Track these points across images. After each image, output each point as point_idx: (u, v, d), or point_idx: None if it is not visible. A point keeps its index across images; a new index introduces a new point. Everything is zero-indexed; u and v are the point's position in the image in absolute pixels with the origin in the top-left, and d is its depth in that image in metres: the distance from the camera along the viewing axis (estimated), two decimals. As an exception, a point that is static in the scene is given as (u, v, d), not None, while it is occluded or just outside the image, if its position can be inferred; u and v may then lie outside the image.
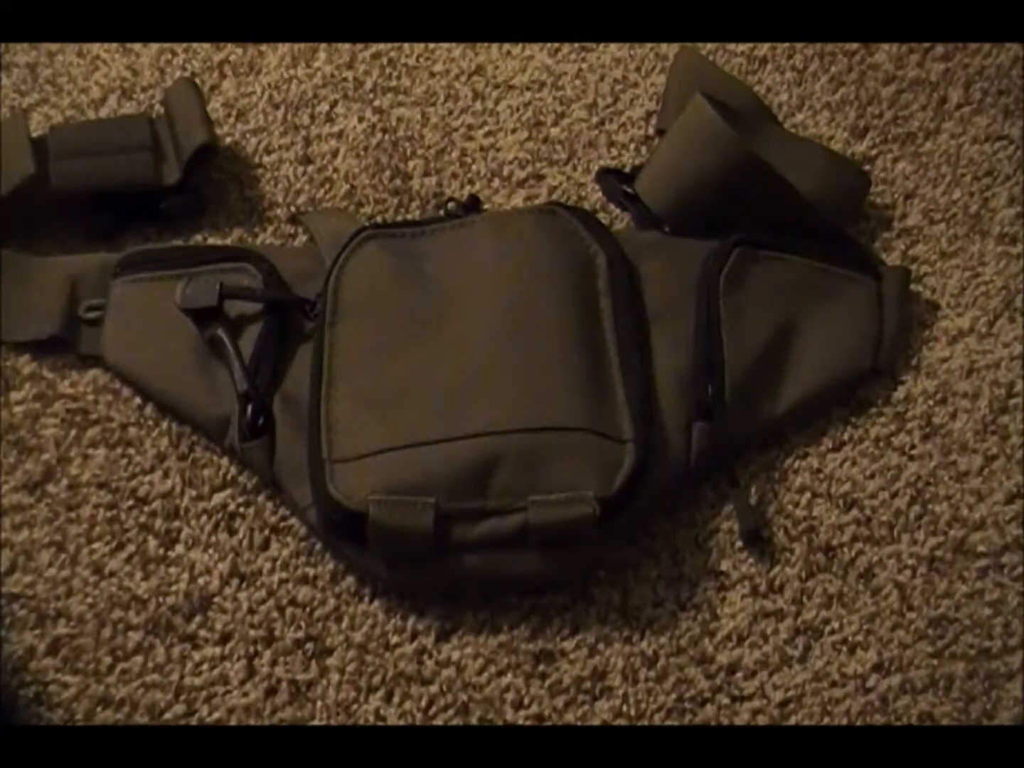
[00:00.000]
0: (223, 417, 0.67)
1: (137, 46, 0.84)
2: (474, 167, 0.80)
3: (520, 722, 0.62)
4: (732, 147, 0.72)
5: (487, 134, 0.81)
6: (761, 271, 0.71)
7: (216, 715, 0.61)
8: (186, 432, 0.69)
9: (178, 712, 0.61)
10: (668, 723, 0.62)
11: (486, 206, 0.77)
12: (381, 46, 0.85)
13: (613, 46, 0.85)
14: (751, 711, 0.62)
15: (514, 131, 0.81)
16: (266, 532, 0.66)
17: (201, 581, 0.65)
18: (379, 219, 0.77)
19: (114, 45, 0.84)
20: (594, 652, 0.63)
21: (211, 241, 0.76)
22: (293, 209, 0.77)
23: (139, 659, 0.62)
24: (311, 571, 0.65)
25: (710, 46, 0.85)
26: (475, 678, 0.63)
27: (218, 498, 0.67)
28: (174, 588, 0.64)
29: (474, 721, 0.62)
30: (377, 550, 0.62)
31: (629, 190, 0.76)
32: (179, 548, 0.66)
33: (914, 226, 0.78)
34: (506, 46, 0.85)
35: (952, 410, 0.70)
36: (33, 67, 0.83)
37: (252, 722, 0.61)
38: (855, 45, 0.86)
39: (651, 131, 0.81)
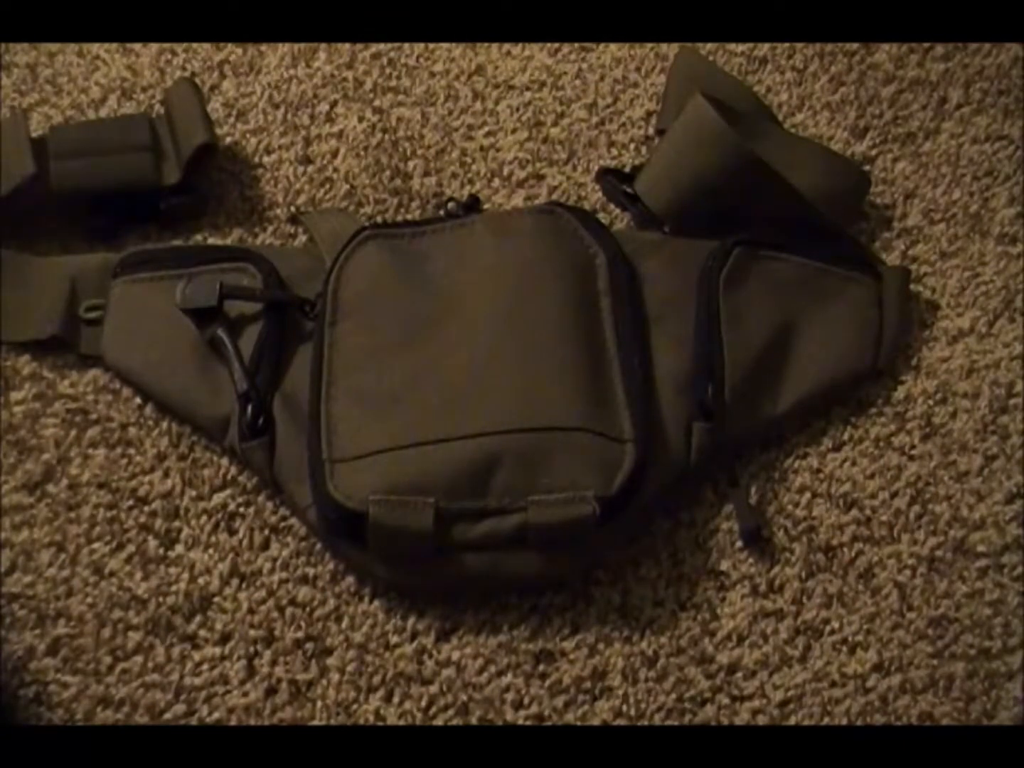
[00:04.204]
0: (223, 417, 0.67)
1: (137, 46, 0.84)
2: (474, 167, 0.80)
3: (520, 722, 0.62)
4: (732, 147, 0.72)
5: (487, 134, 0.81)
6: (761, 271, 0.71)
7: (216, 715, 0.61)
8: (186, 432, 0.69)
9: (178, 712, 0.61)
10: (668, 723, 0.62)
11: (486, 206, 0.77)
12: (381, 46, 0.85)
13: (613, 46, 0.85)
14: (751, 711, 0.62)
15: (514, 131, 0.81)
16: (266, 532, 0.66)
17: (201, 581, 0.65)
18: (379, 219, 0.77)
19: (114, 45, 0.84)
20: (594, 652, 0.63)
21: (211, 241, 0.76)
22: (293, 209, 0.77)
23: (139, 659, 0.62)
24: (311, 571, 0.65)
25: (710, 46, 0.85)
26: (475, 678, 0.63)
27: (218, 498, 0.67)
28: (174, 588, 0.64)
29: (474, 721, 0.62)
30: (377, 550, 0.62)
31: (629, 190, 0.76)
32: (179, 548, 0.66)
33: (914, 226, 0.78)
34: (506, 46, 0.85)
35: (952, 410, 0.70)
36: (33, 67, 0.83)
37: (252, 722, 0.61)
38: (855, 45, 0.85)
39: (651, 131, 0.81)
